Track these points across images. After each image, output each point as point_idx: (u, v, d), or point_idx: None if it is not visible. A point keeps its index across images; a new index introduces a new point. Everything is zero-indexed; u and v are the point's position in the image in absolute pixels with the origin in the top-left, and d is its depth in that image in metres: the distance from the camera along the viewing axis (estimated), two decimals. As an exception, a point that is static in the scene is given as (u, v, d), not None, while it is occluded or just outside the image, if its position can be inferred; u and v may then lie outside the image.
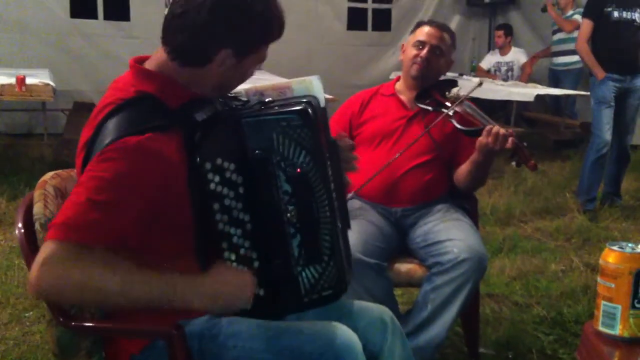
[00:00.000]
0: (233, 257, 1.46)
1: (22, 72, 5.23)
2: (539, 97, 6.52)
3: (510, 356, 2.69)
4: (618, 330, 1.31)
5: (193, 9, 1.40)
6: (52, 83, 5.38)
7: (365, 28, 8.48)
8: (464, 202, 2.55)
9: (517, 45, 7.93)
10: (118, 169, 1.32)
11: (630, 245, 1.32)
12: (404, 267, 2.35)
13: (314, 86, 1.56)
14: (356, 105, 2.60)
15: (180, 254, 1.43)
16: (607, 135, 4.66)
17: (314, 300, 1.50)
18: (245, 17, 1.42)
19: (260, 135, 1.43)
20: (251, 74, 1.54)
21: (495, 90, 6.57)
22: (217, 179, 1.41)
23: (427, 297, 2.24)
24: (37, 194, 1.59)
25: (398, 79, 2.67)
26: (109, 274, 1.31)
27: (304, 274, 1.47)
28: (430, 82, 2.55)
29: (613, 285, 1.30)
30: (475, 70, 8.06)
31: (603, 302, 1.32)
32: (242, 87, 1.58)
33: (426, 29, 2.55)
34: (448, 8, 8.64)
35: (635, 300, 1.29)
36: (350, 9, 8.31)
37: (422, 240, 2.37)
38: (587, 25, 4.68)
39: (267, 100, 1.52)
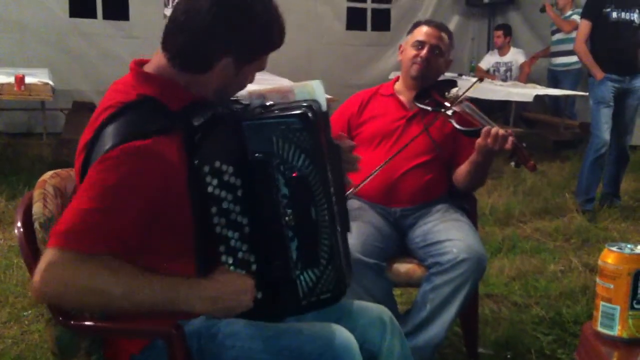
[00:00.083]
0: (230, 260, 1.46)
1: (21, 71, 5.23)
2: (538, 98, 6.52)
3: (509, 356, 2.69)
4: (617, 330, 1.32)
5: (195, 17, 1.40)
6: (51, 82, 5.38)
7: (364, 28, 8.48)
8: (463, 202, 2.55)
9: (517, 46, 7.93)
10: (119, 175, 1.33)
11: (629, 246, 1.33)
12: (403, 267, 2.35)
13: (316, 90, 1.56)
14: (355, 105, 2.60)
15: (179, 255, 1.43)
16: (606, 135, 4.66)
17: (312, 304, 1.49)
18: (247, 26, 1.43)
19: (260, 138, 1.43)
20: (251, 81, 1.54)
21: (495, 91, 6.57)
22: (215, 182, 1.41)
23: (426, 297, 2.24)
24: (36, 193, 1.59)
25: (397, 79, 2.67)
26: (113, 278, 1.32)
27: (302, 277, 1.47)
28: (430, 82, 2.55)
29: (612, 286, 1.31)
30: (475, 71, 8.06)
31: (602, 302, 1.33)
32: (244, 90, 1.58)
33: (424, 28, 2.55)
34: (447, 8, 8.64)
35: (634, 301, 1.30)
36: (349, 9, 8.31)
37: (422, 241, 2.37)
38: (585, 25, 4.68)
39: (268, 103, 1.52)
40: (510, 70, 7.70)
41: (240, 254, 1.47)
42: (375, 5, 8.47)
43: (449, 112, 2.40)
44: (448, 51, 2.57)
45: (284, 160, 1.42)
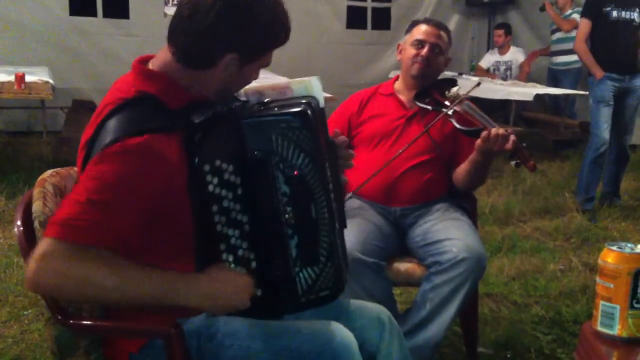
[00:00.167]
0: (231, 258, 1.46)
1: (21, 69, 5.22)
2: (538, 97, 6.52)
3: (508, 356, 2.69)
4: (617, 330, 1.31)
5: (201, 12, 1.40)
6: (51, 81, 5.37)
7: (364, 27, 8.47)
8: (463, 201, 2.55)
9: (516, 45, 7.93)
10: (117, 170, 1.33)
11: (629, 245, 1.32)
12: (403, 266, 2.35)
13: (314, 87, 1.56)
14: (355, 105, 2.60)
15: (179, 255, 1.43)
16: (606, 134, 4.66)
17: (311, 301, 1.50)
18: (252, 22, 1.43)
19: (260, 136, 1.43)
20: (255, 78, 1.54)
21: (495, 90, 6.56)
22: (215, 180, 1.41)
23: (426, 296, 2.24)
24: (36, 192, 1.59)
25: (397, 78, 2.66)
26: (107, 271, 1.31)
27: (301, 274, 1.48)
28: (430, 81, 2.55)
29: (612, 286, 1.31)
30: (475, 70, 8.06)
31: (602, 302, 1.32)
32: None
33: (423, 27, 2.55)
34: (447, 7, 8.63)
35: (634, 301, 1.29)
36: (349, 8, 8.30)
37: (421, 240, 2.37)
38: (585, 24, 4.68)
39: (266, 100, 1.52)
40: (510, 69, 7.70)
41: (240, 252, 1.47)
42: (376, 4, 8.46)
43: (449, 112, 2.39)
44: (447, 49, 2.57)
45: (284, 158, 1.42)
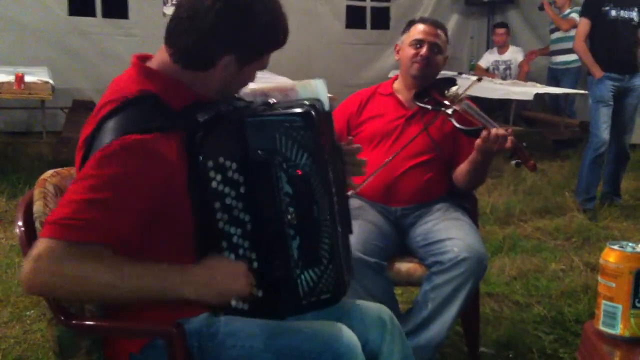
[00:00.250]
0: (232, 257, 1.46)
1: (20, 70, 5.22)
2: (538, 96, 6.52)
3: (510, 356, 2.69)
4: (619, 329, 1.31)
5: (200, 14, 1.40)
6: (51, 81, 5.37)
7: (364, 26, 8.47)
8: (463, 201, 2.55)
9: (516, 44, 7.93)
10: (116, 169, 1.32)
11: (630, 244, 1.32)
12: (404, 266, 2.35)
13: (318, 89, 1.57)
14: (354, 105, 2.59)
15: (179, 255, 1.43)
16: (605, 134, 4.66)
17: (313, 303, 1.49)
18: (251, 23, 1.43)
19: (263, 135, 1.43)
20: (253, 79, 1.54)
21: (495, 89, 6.56)
22: (219, 177, 1.41)
23: (427, 296, 2.24)
24: (36, 192, 1.59)
25: (396, 77, 2.66)
26: (102, 267, 1.31)
27: (302, 276, 1.47)
28: (429, 81, 2.55)
29: (614, 285, 1.30)
30: (474, 69, 8.06)
31: (604, 301, 1.32)
32: (248, 88, 1.58)
33: (421, 27, 2.55)
34: (446, 6, 8.63)
35: (636, 300, 1.29)
36: (349, 7, 8.30)
37: (422, 240, 2.37)
38: (584, 24, 4.68)
39: (271, 101, 1.52)
40: (510, 68, 7.70)
41: (241, 251, 1.47)
42: (375, 4, 8.46)
43: (449, 111, 2.39)
44: (445, 48, 2.57)
45: (287, 158, 1.42)
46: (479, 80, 2.54)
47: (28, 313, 2.93)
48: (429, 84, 2.53)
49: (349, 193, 2.42)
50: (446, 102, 2.43)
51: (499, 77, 7.66)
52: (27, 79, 5.11)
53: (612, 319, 1.32)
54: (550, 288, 3.36)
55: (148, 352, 1.50)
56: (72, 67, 6.92)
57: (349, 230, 1.63)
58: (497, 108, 7.30)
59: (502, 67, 7.76)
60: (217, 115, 1.43)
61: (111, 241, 1.32)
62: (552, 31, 7.22)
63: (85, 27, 7.07)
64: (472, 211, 2.57)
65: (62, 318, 1.47)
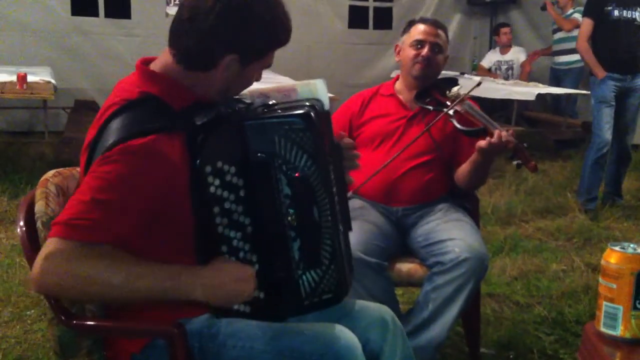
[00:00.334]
0: (233, 260, 1.46)
1: (23, 69, 5.23)
2: (539, 97, 6.51)
3: (511, 356, 2.69)
4: (619, 330, 1.31)
5: (201, 14, 1.41)
6: (53, 81, 5.39)
7: (366, 26, 8.47)
8: (464, 201, 2.55)
9: (518, 44, 7.92)
10: (121, 171, 1.33)
11: (632, 245, 1.32)
12: (405, 266, 2.35)
13: (319, 89, 1.56)
14: (356, 105, 2.59)
15: (180, 255, 1.43)
16: (607, 134, 4.66)
17: (315, 304, 1.49)
18: (252, 23, 1.43)
19: (263, 138, 1.43)
20: (257, 79, 1.54)
21: (497, 89, 6.56)
22: (217, 182, 1.41)
23: (428, 296, 2.24)
24: (38, 192, 1.59)
25: (397, 78, 2.66)
26: (112, 267, 1.32)
27: (304, 277, 1.47)
28: (431, 81, 2.55)
29: (614, 286, 1.30)
30: (476, 69, 8.06)
31: (604, 302, 1.32)
32: (246, 89, 1.58)
33: (421, 27, 2.55)
34: (449, 6, 8.63)
35: (637, 301, 1.29)
36: (351, 7, 8.30)
37: (423, 240, 2.37)
38: (587, 24, 4.67)
39: (270, 102, 1.52)
40: (512, 68, 7.69)
41: (242, 254, 1.47)
42: (378, 4, 8.46)
43: (450, 112, 2.39)
44: (446, 48, 2.57)
45: (287, 160, 1.42)
46: (479, 84, 2.54)
47: (29, 313, 2.93)
48: (431, 84, 2.53)
49: (349, 194, 2.43)
50: (447, 103, 2.43)
51: (501, 77, 7.65)
52: (30, 78, 5.12)
53: (613, 320, 1.32)
54: (551, 289, 3.36)
55: (149, 352, 1.50)
56: (75, 67, 6.93)
57: (348, 228, 1.63)
58: (499, 108, 7.30)
59: (504, 67, 7.76)
60: (215, 118, 1.43)
61: (116, 241, 1.33)
62: (555, 31, 7.22)
63: (87, 27, 7.07)
64: (473, 211, 2.57)
65: (63, 318, 1.47)
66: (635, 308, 1.29)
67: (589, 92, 5.00)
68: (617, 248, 1.32)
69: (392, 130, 2.51)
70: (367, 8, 8.42)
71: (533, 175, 5.48)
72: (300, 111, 1.43)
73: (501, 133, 2.23)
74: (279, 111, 1.47)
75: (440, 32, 2.54)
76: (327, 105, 1.55)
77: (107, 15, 7.18)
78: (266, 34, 1.46)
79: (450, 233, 2.31)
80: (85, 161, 1.42)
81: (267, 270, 1.48)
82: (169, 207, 1.40)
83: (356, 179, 2.37)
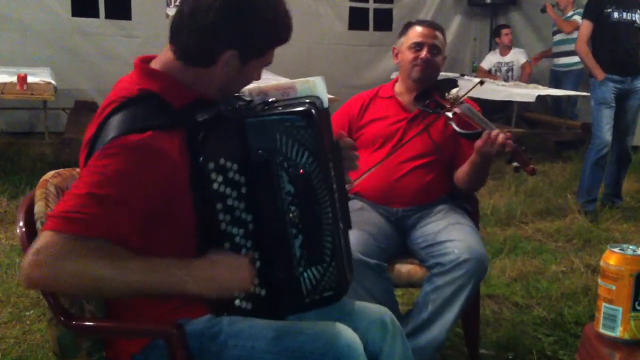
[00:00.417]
0: (227, 249, 1.46)
1: (23, 70, 5.23)
2: (540, 98, 6.51)
3: (510, 357, 2.69)
4: (619, 332, 1.32)
5: (201, 10, 1.41)
6: (53, 82, 5.39)
7: (366, 28, 8.48)
8: (464, 202, 2.55)
9: (518, 46, 7.93)
10: (118, 166, 1.33)
11: (631, 247, 1.33)
12: (405, 267, 2.35)
13: (318, 87, 1.56)
14: (356, 107, 2.59)
15: (180, 253, 1.43)
16: (607, 136, 4.66)
17: (316, 301, 1.50)
18: (252, 20, 1.43)
19: (264, 135, 1.43)
20: (258, 78, 1.54)
21: (497, 91, 6.56)
22: (220, 178, 1.41)
23: (428, 297, 2.24)
24: (38, 192, 1.59)
25: (397, 80, 2.66)
26: (104, 260, 1.31)
27: (305, 274, 1.48)
28: (430, 82, 2.55)
29: (614, 287, 1.31)
30: (477, 71, 8.06)
31: (604, 304, 1.33)
32: (246, 87, 1.58)
33: (419, 29, 2.54)
34: (449, 8, 8.64)
35: (636, 303, 1.30)
36: (351, 9, 8.31)
37: (423, 241, 2.37)
38: (586, 26, 4.67)
39: (270, 100, 1.52)
40: (512, 70, 7.70)
41: (244, 251, 1.47)
42: (378, 5, 8.47)
43: (449, 114, 2.38)
44: (444, 49, 2.57)
45: (288, 157, 1.42)
46: (481, 83, 2.53)
47: (28, 313, 2.93)
48: (430, 86, 2.53)
49: (349, 195, 2.43)
50: (447, 105, 2.43)
51: (501, 78, 7.66)
52: (30, 79, 5.12)
53: (612, 322, 1.32)
54: (550, 290, 3.36)
55: (149, 352, 1.50)
56: (75, 68, 6.93)
57: (348, 226, 1.63)
58: (499, 109, 7.30)
59: (504, 68, 7.76)
60: (216, 116, 1.44)
61: (112, 237, 1.33)
62: (555, 33, 7.22)
63: (88, 28, 7.08)
64: (473, 213, 2.57)
65: (62, 318, 1.47)
66: (634, 309, 1.30)
67: (589, 94, 5.00)
68: (616, 249, 1.32)
69: (392, 132, 2.51)
70: (367, 9, 8.43)
71: (533, 176, 5.48)
72: (301, 108, 1.44)
73: (491, 133, 2.21)
74: (280, 108, 1.47)
75: (437, 33, 2.54)
76: (326, 103, 1.55)
77: (107, 16, 7.18)
78: (267, 31, 1.46)
79: (450, 234, 2.31)
80: (85, 158, 1.41)
81: (268, 267, 1.48)
82: (169, 204, 1.39)
83: (351, 173, 2.37)
